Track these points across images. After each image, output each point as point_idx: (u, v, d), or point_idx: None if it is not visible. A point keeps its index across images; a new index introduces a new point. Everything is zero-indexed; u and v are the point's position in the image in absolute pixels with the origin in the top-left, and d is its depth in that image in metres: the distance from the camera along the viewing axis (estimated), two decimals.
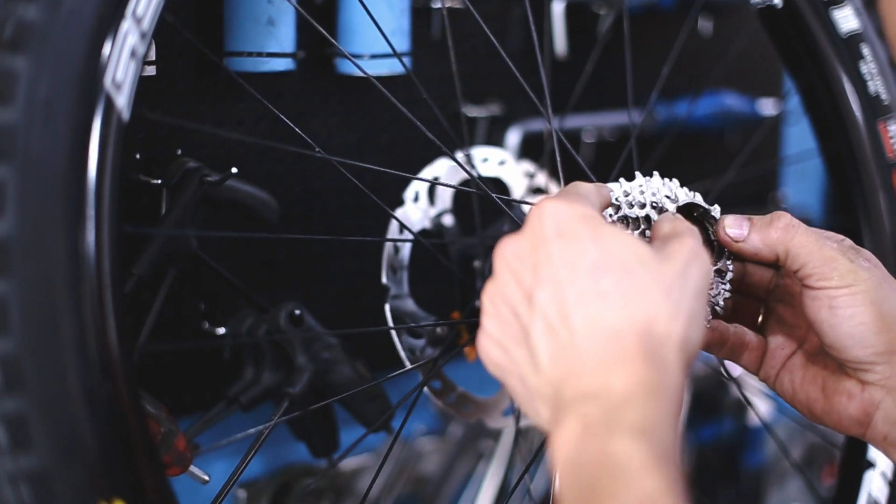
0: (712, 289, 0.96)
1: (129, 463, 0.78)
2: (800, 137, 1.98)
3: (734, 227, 0.95)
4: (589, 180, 1.01)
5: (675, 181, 0.96)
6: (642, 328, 0.75)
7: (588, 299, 0.76)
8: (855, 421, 0.93)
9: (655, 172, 0.99)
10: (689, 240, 0.81)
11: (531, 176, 1.29)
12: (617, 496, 0.70)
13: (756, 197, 2.03)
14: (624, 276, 0.77)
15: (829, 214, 2.17)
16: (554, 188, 1.29)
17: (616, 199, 0.93)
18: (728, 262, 0.96)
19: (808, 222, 1.99)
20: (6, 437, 0.74)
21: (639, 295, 0.76)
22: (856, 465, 1.20)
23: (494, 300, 0.82)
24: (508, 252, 0.81)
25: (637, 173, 0.95)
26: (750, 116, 1.85)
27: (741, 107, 1.83)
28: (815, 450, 2.06)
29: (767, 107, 1.88)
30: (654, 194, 0.94)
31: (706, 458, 2.00)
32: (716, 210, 0.96)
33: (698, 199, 0.95)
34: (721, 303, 0.96)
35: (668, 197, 0.94)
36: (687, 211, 0.96)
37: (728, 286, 0.96)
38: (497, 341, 0.82)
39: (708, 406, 2.00)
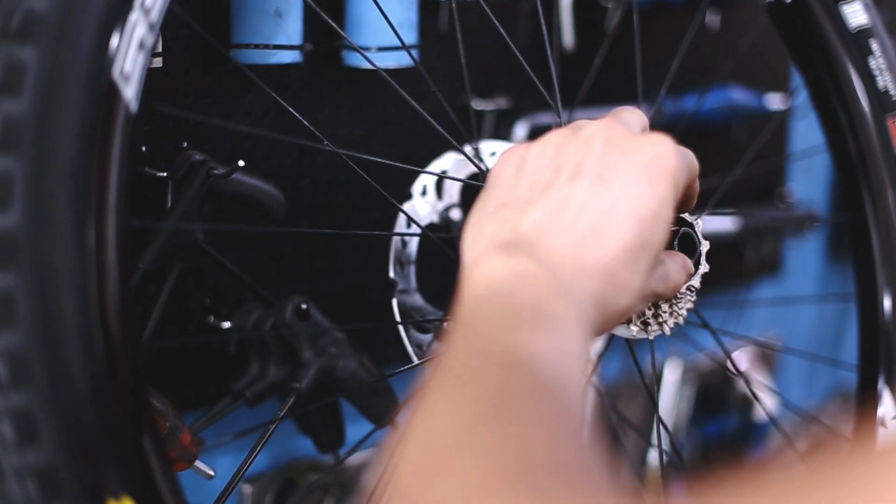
0: (680, 304, 0.95)
1: (136, 458, 0.77)
2: (806, 133, 1.97)
3: None
4: None
5: None
6: (614, 278, 0.76)
7: (610, 224, 0.76)
8: None
9: None
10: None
11: None
12: (540, 330, 0.69)
13: (762, 192, 2.02)
14: (640, 251, 0.77)
15: (836, 210, 2.17)
16: None
17: None
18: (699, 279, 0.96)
19: (814, 219, 1.99)
20: (13, 431, 0.74)
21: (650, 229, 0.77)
22: None
23: (562, 143, 0.81)
24: (608, 126, 0.81)
25: None
26: (757, 111, 1.84)
27: (748, 101, 1.83)
28: (819, 443, 2.06)
29: (775, 102, 1.88)
30: None
31: (711, 454, 2.00)
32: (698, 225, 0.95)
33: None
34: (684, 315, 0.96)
35: None
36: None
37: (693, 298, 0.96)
38: (520, 165, 0.81)
39: (714, 401, 2.00)
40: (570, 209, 0.76)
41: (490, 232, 0.78)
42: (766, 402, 1.90)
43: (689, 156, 0.85)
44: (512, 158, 0.82)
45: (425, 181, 1.21)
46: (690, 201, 0.90)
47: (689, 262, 0.90)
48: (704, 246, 0.95)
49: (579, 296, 0.74)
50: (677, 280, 0.86)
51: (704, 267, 0.95)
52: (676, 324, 0.95)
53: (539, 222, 0.77)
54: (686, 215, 0.95)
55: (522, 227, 0.77)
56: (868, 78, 1.24)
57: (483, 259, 0.75)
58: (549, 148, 0.81)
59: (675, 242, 0.93)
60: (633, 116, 0.86)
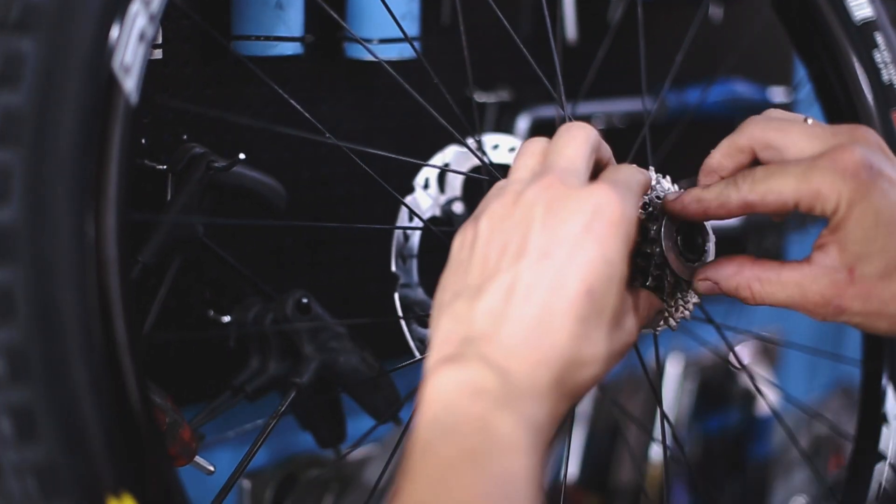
0: (686, 298, 0.95)
1: (136, 455, 0.76)
2: None
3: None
4: None
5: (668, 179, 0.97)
6: (572, 357, 0.76)
7: (560, 300, 0.76)
8: None
9: (651, 168, 0.99)
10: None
11: None
12: (484, 461, 0.71)
13: None
14: (595, 318, 0.77)
15: None
16: None
17: None
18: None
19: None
20: (11, 428, 0.73)
21: (589, 324, 0.77)
22: (867, 457, 1.19)
23: (505, 216, 0.81)
24: (546, 189, 0.80)
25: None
26: (760, 104, 1.84)
27: (752, 94, 1.82)
28: (822, 440, 2.06)
29: (778, 95, 1.87)
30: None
31: (713, 449, 2.00)
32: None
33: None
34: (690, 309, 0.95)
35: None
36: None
37: (691, 307, 0.96)
38: (472, 244, 0.81)
39: (715, 396, 2.00)
40: (518, 294, 0.77)
41: (444, 332, 0.78)
42: (769, 397, 1.89)
43: (632, 184, 0.84)
44: (466, 236, 0.82)
45: (427, 174, 1.20)
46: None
47: (654, 298, 0.90)
48: (711, 240, 0.95)
49: (534, 392, 0.75)
50: (640, 325, 0.85)
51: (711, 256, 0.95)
52: (682, 318, 0.95)
53: (489, 314, 0.77)
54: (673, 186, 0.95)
55: (474, 322, 0.77)
56: (873, 71, 1.24)
57: (437, 371, 0.75)
58: (494, 222, 0.81)
59: (678, 237, 0.93)
60: (573, 156, 0.83)
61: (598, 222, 0.77)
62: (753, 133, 0.91)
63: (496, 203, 0.82)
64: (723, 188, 0.90)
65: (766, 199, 0.87)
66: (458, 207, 1.21)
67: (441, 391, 0.74)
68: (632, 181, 0.85)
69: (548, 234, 0.78)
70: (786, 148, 0.88)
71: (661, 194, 0.94)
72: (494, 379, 0.74)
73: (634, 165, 0.88)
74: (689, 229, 0.94)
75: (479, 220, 0.82)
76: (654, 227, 0.92)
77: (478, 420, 0.73)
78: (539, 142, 0.87)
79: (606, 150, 0.89)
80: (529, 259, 0.77)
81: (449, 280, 0.82)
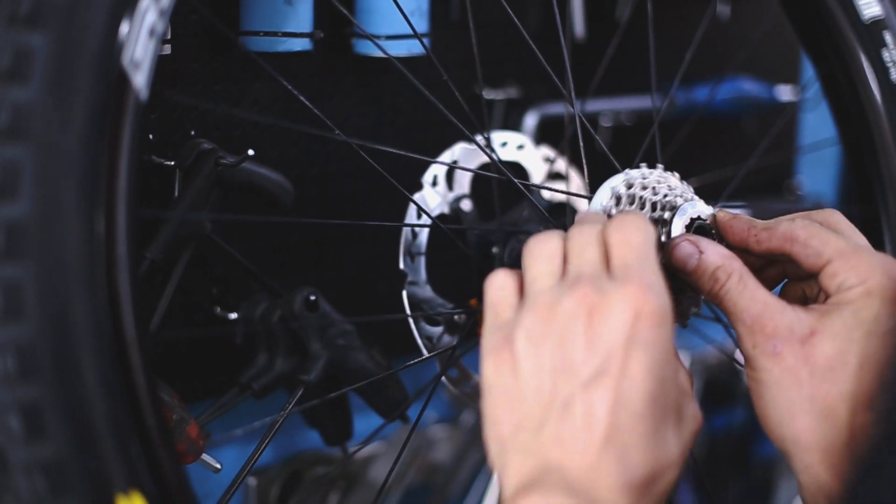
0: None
1: (145, 452, 0.76)
2: (816, 124, 1.96)
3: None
4: (610, 165, 1.00)
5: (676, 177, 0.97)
6: (653, 470, 0.75)
7: (626, 417, 0.75)
8: None
9: (660, 165, 0.99)
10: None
11: (550, 161, 1.28)
12: None
13: (771, 185, 2.01)
14: (662, 422, 0.76)
15: (845, 203, 2.16)
16: (574, 174, 1.27)
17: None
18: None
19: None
20: (21, 425, 0.72)
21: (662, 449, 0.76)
22: None
23: (544, 334, 0.78)
24: (581, 301, 0.78)
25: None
26: (767, 102, 1.83)
27: (759, 93, 1.82)
28: None
29: (785, 93, 1.87)
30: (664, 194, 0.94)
31: (718, 448, 1.99)
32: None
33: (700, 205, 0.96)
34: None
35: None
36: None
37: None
38: (514, 369, 0.79)
39: (720, 394, 1.99)
40: (580, 419, 0.75)
41: (516, 465, 0.77)
42: None
43: (652, 259, 0.82)
44: (502, 359, 0.80)
45: (436, 171, 1.20)
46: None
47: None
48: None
49: None
50: (698, 420, 0.83)
51: None
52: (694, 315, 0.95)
53: (557, 442, 0.75)
54: (708, 208, 0.95)
55: (544, 452, 0.75)
56: (881, 70, 1.24)
57: (517, 501, 0.74)
58: (532, 343, 0.79)
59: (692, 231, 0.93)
60: (594, 258, 0.82)
61: (641, 327, 0.76)
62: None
63: (530, 320, 0.79)
64: (773, 220, 0.92)
65: (810, 242, 0.89)
66: (466, 205, 1.20)
67: None
68: (649, 253, 0.82)
69: (595, 350, 0.76)
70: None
71: (668, 194, 0.95)
72: (572, 500, 0.73)
73: (635, 220, 0.84)
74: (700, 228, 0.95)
75: (514, 341, 0.79)
76: (665, 231, 0.93)
77: None
78: (551, 241, 0.84)
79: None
80: (583, 381, 0.76)
81: (501, 411, 0.79)
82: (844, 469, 0.86)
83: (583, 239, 0.83)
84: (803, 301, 0.94)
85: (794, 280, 0.96)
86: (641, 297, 0.77)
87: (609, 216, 0.93)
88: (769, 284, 0.94)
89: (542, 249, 0.83)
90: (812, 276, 0.92)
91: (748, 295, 0.88)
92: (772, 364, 0.87)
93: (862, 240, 0.91)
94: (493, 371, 0.80)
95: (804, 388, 0.86)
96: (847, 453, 0.86)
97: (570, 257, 0.82)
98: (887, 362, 0.85)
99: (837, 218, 0.93)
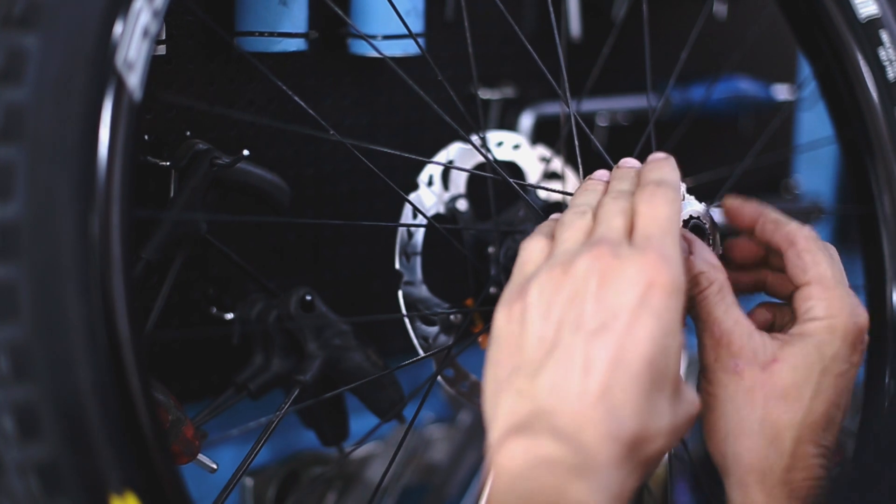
0: None
1: (139, 453, 0.76)
2: (812, 123, 1.96)
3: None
4: (606, 165, 1.00)
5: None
6: (640, 432, 0.76)
7: (622, 375, 0.76)
8: None
9: None
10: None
11: (546, 161, 1.28)
12: None
13: (768, 184, 2.01)
14: (657, 389, 0.77)
15: (842, 202, 2.16)
16: (570, 174, 1.27)
17: None
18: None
19: (820, 211, 1.97)
20: (14, 425, 0.72)
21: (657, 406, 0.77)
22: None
23: (557, 288, 0.80)
24: (597, 260, 0.79)
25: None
26: (764, 102, 1.83)
27: (755, 92, 1.82)
28: None
29: (782, 92, 1.86)
30: None
31: None
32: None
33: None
34: None
35: None
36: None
37: None
38: (522, 318, 0.80)
39: None
40: (579, 368, 0.76)
41: (507, 407, 0.78)
42: None
43: (675, 233, 0.83)
44: (513, 309, 0.81)
45: (431, 171, 1.20)
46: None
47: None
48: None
49: (605, 465, 0.74)
50: (695, 405, 0.84)
51: (719, 251, 0.96)
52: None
53: (552, 388, 0.76)
54: (701, 206, 0.96)
55: (537, 396, 0.76)
56: (878, 68, 1.24)
57: (504, 443, 0.75)
58: (544, 295, 0.80)
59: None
60: (619, 227, 0.84)
61: (653, 295, 0.77)
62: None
63: (544, 275, 0.81)
64: (783, 217, 0.96)
65: (803, 254, 0.94)
66: (462, 205, 1.20)
67: (513, 462, 0.74)
68: (673, 227, 0.83)
69: (604, 308, 0.77)
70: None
71: None
72: (567, 450, 0.74)
73: (665, 193, 0.85)
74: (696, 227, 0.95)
75: (528, 293, 0.81)
76: None
77: (553, 490, 0.73)
78: (585, 217, 0.86)
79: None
80: (587, 333, 0.77)
81: (502, 355, 0.81)
82: (777, 493, 0.90)
83: (613, 207, 0.85)
84: (770, 327, 0.98)
85: (768, 293, 1.01)
86: (657, 268, 0.78)
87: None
88: (740, 290, 0.97)
89: (573, 221, 0.86)
90: (786, 296, 0.97)
91: (723, 308, 0.90)
92: (729, 381, 0.90)
93: (845, 278, 0.95)
94: (504, 320, 0.82)
95: (757, 410, 0.90)
96: (784, 479, 0.90)
97: (597, 224, 0.84)
98: (836, 402, 0.90)
99: (833, 252, 0.96)
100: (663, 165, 0.89)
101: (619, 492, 0.75)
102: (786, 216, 0.98)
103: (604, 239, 0.81)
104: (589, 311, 0.77)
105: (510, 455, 0.74)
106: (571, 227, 0.85)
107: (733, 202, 0.97)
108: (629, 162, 0.94)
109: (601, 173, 0.93)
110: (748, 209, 0.97)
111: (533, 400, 0.76)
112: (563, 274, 0.80)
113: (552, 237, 0.86)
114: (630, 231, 0.83)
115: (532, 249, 0.86)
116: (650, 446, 0.76)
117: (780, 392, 0.90)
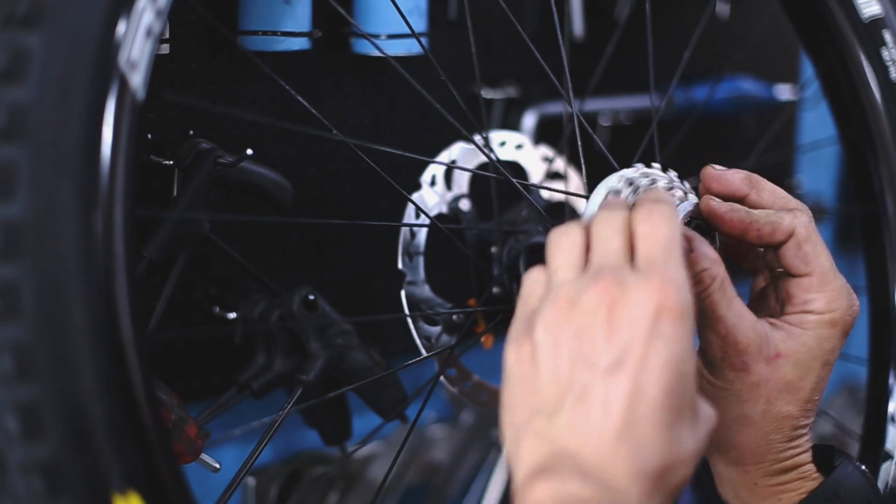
0: None
1: (142, 453, 0.76)
2: (815, 123, 1.96)
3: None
4: (608, 165, 1.00)
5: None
6: (666, 463, 0.75)
7: (642, 408, 0.75)
8: None
9: (656, 164, 0.99)
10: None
11: (549, 160, 1.27)
12: None
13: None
14: (678, 417, 0.76)
15: (844, 202, 2.16)
16: (572, 173, 1.27)
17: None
18: None
19: (823, 211, 1.97)
20: (18, 425, 0.72)
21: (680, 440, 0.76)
22: (874, 457, 1.19)
23: (564, 325, 0.78)
24: (603, 293, 0.78)
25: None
26: (767, 102, 1.83)
27: (758, 92, 1.82)
28: (826, 439, 2.06)
29: (785, 92, 1.86)
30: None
31: None
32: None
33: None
34: None
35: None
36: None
37: None
38: (533, 358, 0.79)
39: None
40: (598, 407, 0.75)
41: (529, 449, 0.77)
42: None
43: (677, 254, 0.81)
44: (523, 349, 0.80)
45: (434, 171, 1.20)
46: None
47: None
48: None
49: (636, 501, 0.74)
50: (712, 420, 0.82)
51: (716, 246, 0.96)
52: None
53: (572, 429, 0.75)
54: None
55: (558, 438, 0.76)
56: (881, 69, 1.24)
57: (530, 486, 0.75)
58: (553, 333, 0.78)
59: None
60: (618, 249, 0.81)
61: (663, 322, 0.75)
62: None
63: (550, 311, 0.79)
64: (774, 213, 0.95)
65: (804, 245, 0.93)
66: (464, 204, 1.20)
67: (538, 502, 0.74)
68: (674, 247, 0.81)
69: (615, 341, 0.76)
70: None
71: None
72: (595, 490, 0.73)
73: (662, 210, 0.83)
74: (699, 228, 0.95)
75: (535, 331, 0.79)
76: None
77: None
78: (573, 232, 0.84)
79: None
80: (602, 370, 0.75)
81: (517, 398, 0.79)
82: (774, 469, 0.94)
83: (609, 227, 0.82)
84: (763, 296, 0.99)
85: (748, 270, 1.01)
86: (664, 293, 0.76)
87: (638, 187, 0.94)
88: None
89: (564, 240, 0.83)
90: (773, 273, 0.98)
91: (726, 304, 0.90)
92: (736, 377, 0.91)
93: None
94: (514, 359, 0.80)
95: (760, 403, 0.92)
96: (780, 457, 0.94)
97: (594, 246, 0.82)
98: (825, 386, 0.94)
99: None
100: (657, 194, 0.87)
101: None
102: (772, 205, 0.97)
103: (604, 266, 0.79)
104: (600, 345, 0.76)
105: (537, 499, 0.74)
106: (562, 247, 0.83)
107: (719, 207, 0.95)
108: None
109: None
110: (736, 217, 0.94)
111: (554, 441, 0.75)
112: (569, 308, 0.78)
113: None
114: (630, 251, 0.81)
115: (534, 282, 0.84)
116: (677, 474, 0.75)
117: (782, 385, 0.91)
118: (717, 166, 0.98)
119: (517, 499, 0.75)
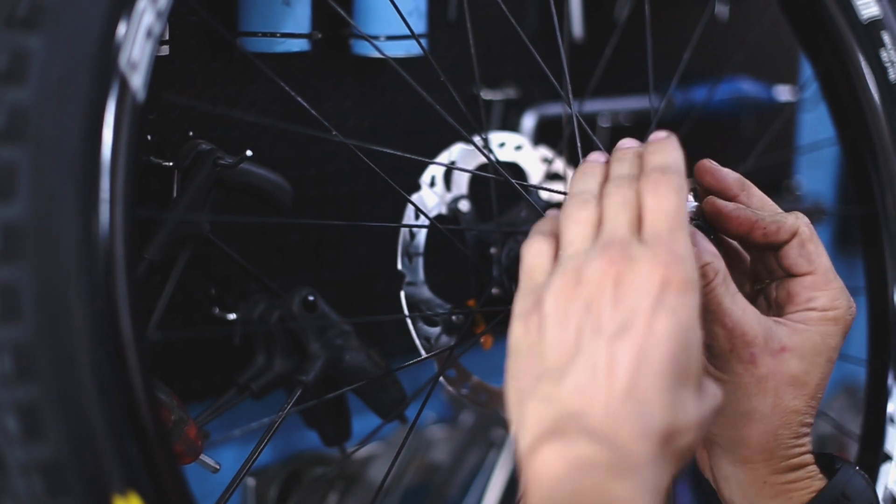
0: None
1: (142, 453, 0.76)
2: (814, 124, 1.96)
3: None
4: None
5: None
6: (670, 427, 0.76)
7: (646, 373, 0.76)
8: None
9: None
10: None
11: (548, 161, 1.28)
12: None
13: (770, 185, 2.01)
14: (682, 384, 0.77)
15: (844, 203, 2.16)
16: (571, 174, 1.27)
17: None
18: None
19: (822, 212, 1.97)
20: (18, 426, 0.72)
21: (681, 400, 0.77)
22: (873, 457, 1.19)
23: (572, 296, 0.79)
24: (610, 264, 0.79)
25: None
26: (766, 103, 1.83)
27: (757, 93, 1.82)
28: (826, 439, 2.06)
29: (784, 93, 1.86)
30: None
31: None
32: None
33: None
34: None
35: None
36: None
37: None
38: (540, 328, 0.80)
39: None
40: (603, 369, 0.76)
41: (535, 414, 0.77)
42: None
43: (684, 226, 0.82)
44: (530, 320, 0.81)
45: (434, 172, 1.20)
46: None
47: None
48: None
49: (642, 462, 0.74)
50: (718, 398, 0.83)
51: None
52: None
53: (578, 391, 0.76)
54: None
55: (564, 400, 0.76)
56: (879, 70, 1.24)
57: (538, 450, 0.75)
58: (560, 303, 0.79)
59: None
60: (626, 222, 0.82)
61: (668, 293, 0.77)
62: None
63: (558, 282, 0.80)
64: (778, 213, 0.96)
65: (807, 245, 0.94)
66: (464, 205, 1.20)
67: (551, 467, 0.74)
68: (681, 220, 0.82)
69: (621, 310, 0.77)
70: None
71: None
72: (603, 450, 0.74)
73: (670, 182, 0.83)
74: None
75: (543, 303, 0.80)
76: None
77: (596, 490, 0.72)
78: (587, 206, 0.84)
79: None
80: (608, 336, 0.76)
81: (522, 366, 0.80)
82: (782, 467, 0.94)
83: (617, 200, 0.83)
84: (757, 295, 1.00)
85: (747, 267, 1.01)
86: (670, 266, 0.78)
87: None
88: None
89: (577, 214, 0.84)
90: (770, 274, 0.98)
91: (730, 298, 0.90)
92: (744, 370, 0.92)
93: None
94: (521, 332, 0.81)
95: (768, 397, 0.92)
96: (787, 454, 0.94)
97: (604, 219, 0.83)
98: (827, 384, 0.95)
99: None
100: (665, 147, 0.87)
101: (658, 487, 0.75)
102: (761, 209, 0.98)
103: (613, 240, 0.80)
104: (607, 315, 0.77)
105: (546, 461, 0.74)
106: (576, 222, 0.84)
107: (725, 206, 0.96)
108: (628, 142, 0.92)
109: (598, 155, 0.92)
110: (743, 216, 0.95)
111: (560, 404, 0.76)
112: (577, 281, 0.79)
113: (554, 236, 0.85)
114: (638, 223, 0.82)
115: (537, 253, 0.84)
116: (681, 440, 0.76)
117: (789, 379, 0.92)
118: (713, 162, 0.99)
119: (524, 465, 0.76)
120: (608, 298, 0.77)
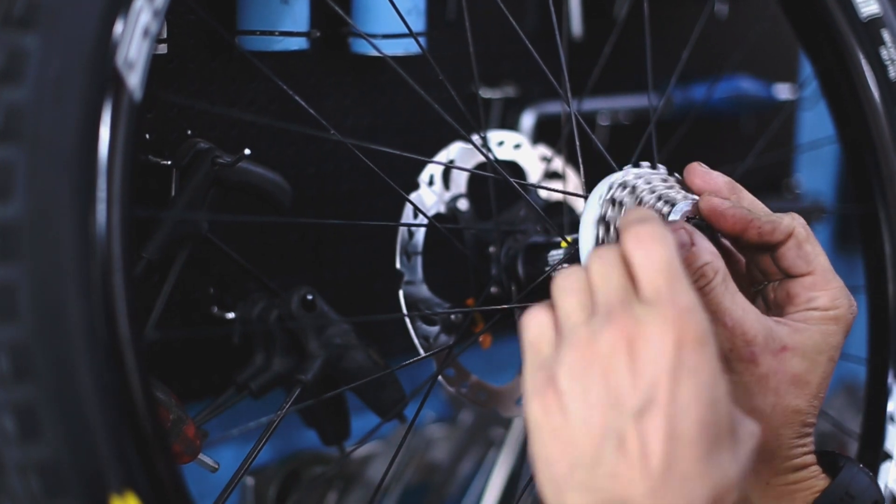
0: None
1: (140, 453, 0.76)
2: (814, 123, 1.96)
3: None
4: (607, 165, 1.00)
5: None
6: (714, 496, 0.74)
7: (679, 446, 0.74)
8: None
9: (661, 166, 1.00)
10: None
11: (547, 160, 1.27)
12: None
13: (770, 184, 2.01)
14: (716, 446, 0.75)
15: (843, 201, 2.16)
16: (571, 173, 1.27)
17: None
18: None
19: (822, 210, 1.97)
20: (15, 426, 0.72)
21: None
22: (873, 456, 1.19)
23: (586, 370, 0.77)
24: (620, 332, 0.76)
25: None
26: (766, 101, 1.83)
27: (757, 91, 1.82)
28: (826, 438, 2.05)
29: (784, 92, 1.86)
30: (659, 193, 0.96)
31: None
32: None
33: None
34: None
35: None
36: None
37: None
38: (561, 408, 0.77)
39: None
40: (635, 452, 0.74)
41: (577, 502, 0.76)
42: None
43: (681, 275, 0.79)
44: (548, 400, 0.78)
45: (432, 171, 1.20)
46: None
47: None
48: None
49: None
50: (755, 436, 0.81)
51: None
52: None
53: (615, 476, 0.74)
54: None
55: (603, 488, 0.75)
56: (879, 68, 1.24)
57: None
58: (576, 380, 0.77)
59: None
60: (621, 284, 0.79)
61: (685, 353, 0.74)
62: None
63: (568, 356, 0.77)
64: (773, 214, 0.96)
65: (804, 245, 0.94)
66: (462, 204, 1.20)
67: None
68: (676, 269, 0.79)
69: (641, 382, 0.74)
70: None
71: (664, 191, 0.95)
72: None
73: (651, 231, 0.81)
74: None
75: (557, 380, 0.77)
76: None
77: None
78: (576, 273, 0.82)
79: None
80: (633, 413, 0.74)
81: (553, 451, 0.78)
82: (784, 468, 0.94)
83: (604, 264, 0.80)
84: (755, 297, 0.99)
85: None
86: (679, 324, 0.75)
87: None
88: None
89: (569, 283, 0.81)
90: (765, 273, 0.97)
91: (729, 297, 0.90)
92: (744, 369, 0.91)
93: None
94: (541, 412, 0.78)
95: (770, 396, 0.91)
96: (789, 455, 0.94)
97: (594, 286, 0.80)
98: (828, 384, 0.94)
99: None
100: (634, 210, 0.86)
101: None
102: (764, 209, 0.98)
103: (614, 305, 0.78)
104: (626, 387, 0.75)
105: None
106: (570, 291, 0.81)
107: (720, 204, 0.95)
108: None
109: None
110: (738, 214, 0.94)
111: (600, 492, 0.75)
112: (589, 352, 0.77)
113: (551, 307, 0.82)
114: (631, 281, 0.79)
115: (538, 325, 0.82)
116: (727, 499, 0.75)
117: (790, 378, 0.91)
118: (703, 164, 0.99)
119: None
120: (624, 368, 0.75)
